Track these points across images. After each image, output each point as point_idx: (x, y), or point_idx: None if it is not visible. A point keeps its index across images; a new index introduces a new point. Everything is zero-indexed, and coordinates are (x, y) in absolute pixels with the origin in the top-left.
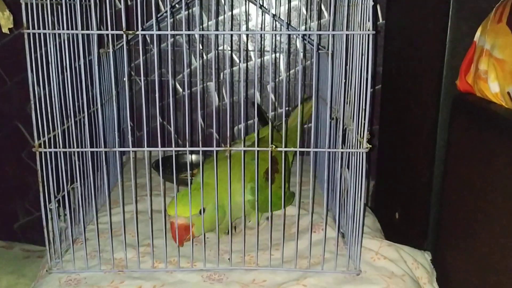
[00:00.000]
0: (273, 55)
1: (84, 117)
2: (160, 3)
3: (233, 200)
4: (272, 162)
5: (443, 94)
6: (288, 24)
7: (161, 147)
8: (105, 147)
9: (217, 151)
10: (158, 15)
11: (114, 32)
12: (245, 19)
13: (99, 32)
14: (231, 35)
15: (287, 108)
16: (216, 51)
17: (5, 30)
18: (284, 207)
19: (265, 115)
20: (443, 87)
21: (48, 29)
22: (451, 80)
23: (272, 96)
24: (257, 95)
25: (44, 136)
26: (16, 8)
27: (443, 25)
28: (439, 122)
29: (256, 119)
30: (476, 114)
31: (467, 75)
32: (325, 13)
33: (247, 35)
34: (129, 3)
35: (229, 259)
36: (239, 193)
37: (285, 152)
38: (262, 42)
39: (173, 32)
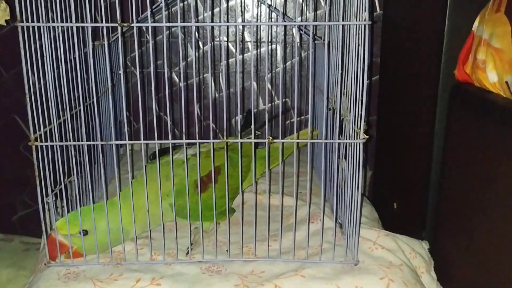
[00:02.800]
0: (270, 46)
1: (80, 110)
2: None
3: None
4: (214, 172)
5: (441, 84)
6: (284, 14)
7: (158, 139)
8: (101, 140)
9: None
10: (153, 7)
11: (109, 24)
12: (241, 10)
13: (93, 24)
14: (228, 26)
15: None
16: (213, 43)
17: (1, 22)
18: (216, 221)
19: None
20: (441, 77)
21: (42, 22)
22: (449, 70)
23: (269, 87)
24: (254, 85)
25: (40, 129)
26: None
27: (441, 15)
28: (437, 112)
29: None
30: (474, 104)
31: (465, 65)
32: (322, 3)
33: (243, 26)
34: None
35: (227, 250)
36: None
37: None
38: (259, 33)
39: (168, 24)
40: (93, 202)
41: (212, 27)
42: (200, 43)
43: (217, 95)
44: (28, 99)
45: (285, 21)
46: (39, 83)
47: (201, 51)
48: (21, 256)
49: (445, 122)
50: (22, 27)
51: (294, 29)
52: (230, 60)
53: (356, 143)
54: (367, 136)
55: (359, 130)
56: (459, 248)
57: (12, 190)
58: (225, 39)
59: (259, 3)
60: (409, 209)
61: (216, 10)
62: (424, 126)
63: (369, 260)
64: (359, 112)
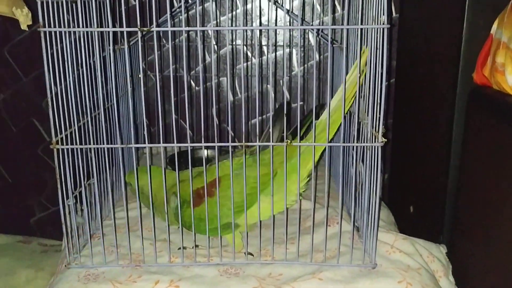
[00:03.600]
0: (287, 50)
1: (99, 114)
2: None
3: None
4: (210, 183)
5: (459, 87)
6: (303, 20)
7: (176, 142)
8: (121, 143)
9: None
10: (172, 10)
11: (129, 29)
12: (258, 14)
13: (114, 29)
14: (244, 30)
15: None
16: (231, 46)
17: (24, 27)
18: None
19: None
20: (459, 80)
21: (64, 27)
22: (468, 73)
23: (285, 91)
24: (271, 91)
25: (61, 133)
26: (34, 5)
27: (459, 18)
28: (455, 115)
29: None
30: (493, 107)
31: (484, 68)
32: (338, 7)
33: (260, 30)
34: None
35: (245, 253)
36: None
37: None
38: (276, 37)
39: (188, 29)
40: (113, 205)
41: (231, 31)
42: (217, 46)
43: (232, 98)
44: (49, 103)
45: (303, 25)
46: (60, 86)
47: (216, 55)
48: (39, 257)
49: (463, 125)
50: (45, 32)
51: (310, 33)
52: (246, 64)
53: (374, 147)
54: (385, 140)
55: (377, 134)
56: (477, 252)
57: (31, 193)
58: (241, 42)
59: (276, 7)
60: (426, 213)
61: (233, 13)
62: (442, 129)
63: (387, 263)
64: (377, 116)
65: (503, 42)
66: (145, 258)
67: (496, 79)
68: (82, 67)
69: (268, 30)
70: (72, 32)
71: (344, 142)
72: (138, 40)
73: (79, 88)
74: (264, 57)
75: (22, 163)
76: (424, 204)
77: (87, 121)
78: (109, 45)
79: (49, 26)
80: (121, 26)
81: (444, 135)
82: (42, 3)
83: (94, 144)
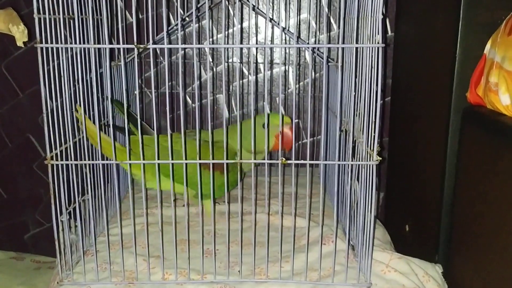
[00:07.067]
0: (283, 67)
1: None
2: (170, 16)
3: None
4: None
5: (453, 106)
6: (298, 37)
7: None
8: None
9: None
10: (169, 28)
11: (126, 46)
12: (254, 31)
13: (111, 46)
14: (241, 48)
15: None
16: (226, 64)
17: (19, 43)
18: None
19: None
20: (453, 100)
21: (61, 43)
22: (461, 92)
23: (281, 108)
24: (267, 107)
25: (56, 148)
26: (30, 21)
27: (452, 38)
28: (449, 134)
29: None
30: (487, 126)
31: (477, 87)
32: (334, 26)
33: (256, 48)
34: (140, 16)
35: (239, 271)
36: None
37: None
38: (272, 55)
39: (184, 46)
40: (107, 221)
41: (226, 48)
42: (213, 64)
43: (228, 115)
44: (45, 118)
45: (299, 43)
46: (56, 102)
47: (214, 71)
48: (32, 274)
49: (457, 144)
50: (41, 48)
51: (306, 51)
52: (241, 81)
53: (369, 165)
54: (380, 158)
55: (372, 152)
56: (473, 271)
57: (25, 209)
58: (238, 60)
59: (272, 25)
60: (421, 232)
61: (230, 31)
62: (437, 148)
63: (382, 282)
64: (372, 134)
65: (496, 62)
66: (138, 275)
67: (489, 99)
68: (78, 83)
69: (264, 48)
70: (69, 48)
71: (339, 160)
72: (134, 56)
73: (75, 104)
74: (260, 75)
75: (17, 179)
76: (420, 223)
77: (83, 137)
78: (106, 62)
79: (46, 42)
80: (118, 42)
81: (438, 153)
82: (39, 19)
83: (89, 160)
